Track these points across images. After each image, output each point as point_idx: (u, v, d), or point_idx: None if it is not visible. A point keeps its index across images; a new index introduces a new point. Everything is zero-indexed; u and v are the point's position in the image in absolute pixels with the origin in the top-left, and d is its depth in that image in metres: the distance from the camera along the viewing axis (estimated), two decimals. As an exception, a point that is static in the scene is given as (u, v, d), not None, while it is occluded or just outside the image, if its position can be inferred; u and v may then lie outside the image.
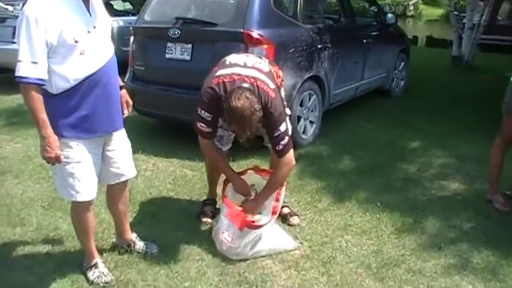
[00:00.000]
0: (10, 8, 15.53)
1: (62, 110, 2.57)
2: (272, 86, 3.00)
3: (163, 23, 5.04)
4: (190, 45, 4.82)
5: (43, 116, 2.45)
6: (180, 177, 4.47)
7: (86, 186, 2.71)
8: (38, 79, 2.40)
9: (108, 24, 2.73)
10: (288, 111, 3.44)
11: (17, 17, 8.55)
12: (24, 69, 2.36)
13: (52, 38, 2.40)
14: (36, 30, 2.35)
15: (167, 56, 4.93)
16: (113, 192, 3.05)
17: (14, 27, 7.98)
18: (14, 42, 7.92)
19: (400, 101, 7.37)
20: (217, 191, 3.80)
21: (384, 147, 5.31)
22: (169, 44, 4.92)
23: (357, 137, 5.64)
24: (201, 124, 3.06)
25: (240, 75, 2.96)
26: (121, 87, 2.90)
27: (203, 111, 3.02)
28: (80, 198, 2.72)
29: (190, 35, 4.82)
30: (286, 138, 3.04)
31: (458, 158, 5.05)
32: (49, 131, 2.48)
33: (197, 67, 4.62)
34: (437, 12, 28.06)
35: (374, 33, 6.70)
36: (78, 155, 2.64)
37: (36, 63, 2.38)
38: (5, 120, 6.37)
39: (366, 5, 7.83)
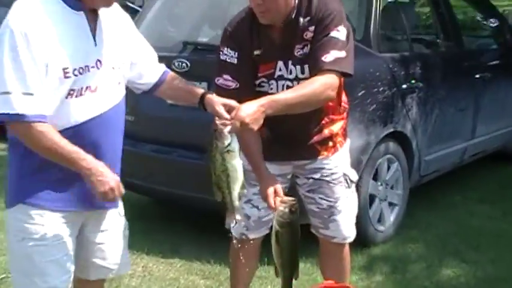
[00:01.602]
0: None
1: (26, 166, 2.82)
2: None
3: (163, 49, 5.35)
4: (205, 84, 5.10)
5: (69, 148, 2.67)
6: (186, 288, 4.73)
7: (51, 277, 2.88)
8: (39, 116, 2.60)
9: (125, 60, 3.00)
10: (354, 174, 3.76)
11: None
12: (21, 104, 2.56)
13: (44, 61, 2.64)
14: (26, 49, 2.56)
15: (170, 101, 5.30)
16: None
17: None
18: None
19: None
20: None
21: (512, 246, 5.47)
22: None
23: (466, 229, 5.82)
24: (224, 76, 3.37)
25: None
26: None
27: (226, 48, 3.38)
28: None
29: (204, 68, 5.14)
30: (345, 52, 3.21)
31: None
32: (89, 158, 2.72)
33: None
34: None
35: (493, 63, 6.99)
36: (39, 230, 2.82)
37: (31, 94, 2.58)
38: None
39: (480, 17, 8.13)
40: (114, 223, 3.11)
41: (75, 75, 2.69)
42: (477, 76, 6.68)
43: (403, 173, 5.67)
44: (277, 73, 3.37)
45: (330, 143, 3.59)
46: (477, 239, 5.62)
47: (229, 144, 2.90)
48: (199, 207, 5.40)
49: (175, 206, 5.91)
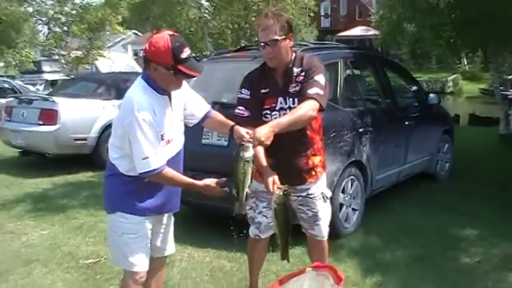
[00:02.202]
0: (31, 87, 16.43)
1: (124, 189, 3.04)
2: None
3: (199, 107, 5.32)
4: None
5: (185, 180, 3.04)
6: (218, 268, 4.59)
7: (140, 257, 3.10)
8: (163, 166, 2.93)
9: (181, 118, 3.14)
10: (329, 192, 3.71)
11: (43, 99, 9.15)
12: (154, 162, 2.89)
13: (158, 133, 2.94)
14: (149, 130, 2.86)
15: (203, 141, 5.18)
16: (153, 266, 3.28)
17: (41, 109, 8.64)
18: (40, 124, 8.47)
19: (447, 185, 7.45)
20: (259, 284, 3.88)
21: (432, 236, 5.36)
22: (206, 129, 5.16)
23: (403, 225, 5.70)
24: (239, 108, 3.44)
25: None
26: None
27: (243, 89, 3.48)
28: (137, 268, 3.09)
29: (228, 119, 5.06)
30: (323, 92, 3.30)
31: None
32: (197, 183, 3.06)
33: (235, 153, 4.83)
34: (477, 88, 28.35)
35: (416, 115, 6.88)
36: (134, 227, 3.06)
37: (156, 154, 2.91)
38: (30, 205, 6.64)
39: (406, 85, 8.10)
40: (168, 219, 3.30)
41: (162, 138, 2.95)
42: (406, 123, 6.58)
43: (361, 188, 5.58)
44: (279, 106, 3.40)
45: (313, 173, 3.54)
46: (410, 231, 5.52)
47: (249, 156, 2.99)
48: (223, 213, 5.17)
49: (208, 213, 5.75)
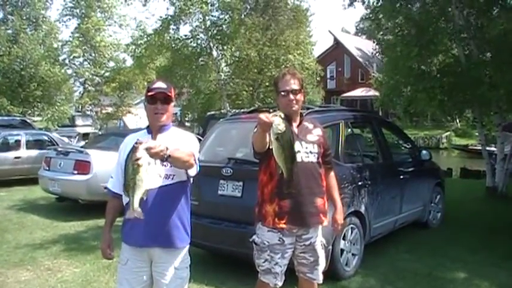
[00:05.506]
0: (66, 139, 16.73)
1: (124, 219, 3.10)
2: None
3: (216, 162, 5.47)
4: (241, 183, 5.20)
5: (107, 214, 3.22)
6: (230, 305, 4.63)
7: (123, 286, 3.11)
8: (108, 188, 3.19)
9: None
10: (324, 241, 3.74)
11: (78, 151, 9.39)
12: (110, 183, 3.19)
13: (122, 164, 2.97)
14: (118, 156, 3.11)
15: (219, 192, 5.30)
16: None
17: (76, 160, 8.84)
18: (74, 174, 8.65)
19: (438, 232, 7.46)
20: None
21: (423, 278, 5.38)
22: (221, 182, 5.32)
23: (397, 268, 5.72)
24: None
25: None
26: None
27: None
28: None
29: (241, 173, 5.22)
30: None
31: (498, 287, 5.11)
32: (106, 227, 3.24)
33: (247, 203, 4.94)
34: (469, 143, 28.37)
35: (410, 169, 6.97)
36: (123, 256, 3.12)
37: (112, 177, 3.18)
38: (64, 246, 6.76)
39: (401, 143, 8.22)
40: (169, 270, 3.08)
41: None
42: (401, 177, 6.68)
43: (360, 235, 5.61)
44: (296, 148, 3.42)
45: (326, 216, 3.64)
46: (404, 274, 5.54)
47: (139, 159, 2.64)
48: (238, 256, 5.26)
49: (223, 256, 5.81)
